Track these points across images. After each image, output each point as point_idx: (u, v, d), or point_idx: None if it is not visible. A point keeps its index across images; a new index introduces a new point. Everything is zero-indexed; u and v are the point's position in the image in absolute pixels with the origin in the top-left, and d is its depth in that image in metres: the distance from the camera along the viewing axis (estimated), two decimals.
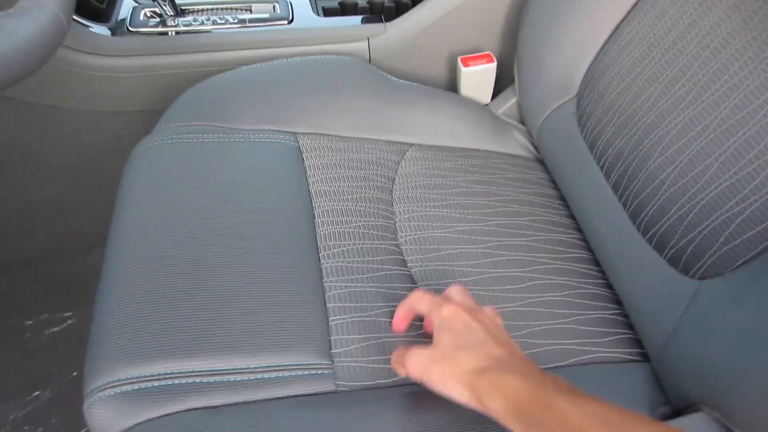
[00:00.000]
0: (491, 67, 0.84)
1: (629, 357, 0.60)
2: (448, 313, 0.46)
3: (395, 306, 0.53)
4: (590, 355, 0.59)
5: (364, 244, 0.61)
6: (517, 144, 0.83)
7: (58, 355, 0.91)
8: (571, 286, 0.64)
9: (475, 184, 0.73)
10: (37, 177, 0.93)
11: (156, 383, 0.47)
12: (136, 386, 0.47)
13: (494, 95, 0.89)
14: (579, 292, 0.64)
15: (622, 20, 0.67)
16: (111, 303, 0.52)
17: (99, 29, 0.83)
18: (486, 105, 0.89)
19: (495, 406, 0.39)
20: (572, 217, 0.73)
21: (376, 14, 0.91)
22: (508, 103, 0.87)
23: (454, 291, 0.51)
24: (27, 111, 0.84)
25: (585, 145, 0.69)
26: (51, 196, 0.96)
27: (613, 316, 0.63)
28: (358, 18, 0.89)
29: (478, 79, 0.85)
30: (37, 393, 0.87)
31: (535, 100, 0.79)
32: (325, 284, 0.57)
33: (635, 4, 0.66)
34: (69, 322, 0.95)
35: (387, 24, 0.87)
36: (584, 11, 0.70)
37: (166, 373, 0.47)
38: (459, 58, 0.84)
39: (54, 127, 0.86)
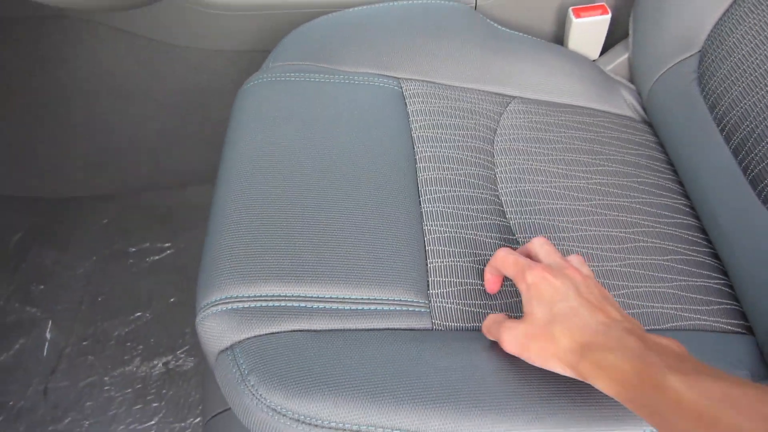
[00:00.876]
0: (605, 19, 0.80)
1: (732, 328, 0.57)
2: (533, 279, 0.44)
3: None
4: (690, 322, 0.57)
5: (464, 191, 0.61)
6: (624, 104, 0.79)
7: (158, 282, 0.97)
8: (675, 251, 0.61)
9: (579, 141, 0.70)
10: (145, 111, 0.98)
11: (264, 303, 0.49)
12: (246, 304, 0.49)
13: (603, 51, 0.85)
14: (683, 258, 0.61)
15: None
16: (223, 227, 0.54)
17: None
18: (594, 60, 0.85)
19: (601, 386, 0.37)
20: (680, 182, 0.69)
21: None
22: (618, 59, 0.82)
23: (537, 245, 0.48)
24: (141, 46, 0.88)
25: (705, 106, 0.65)
26: (156, 131, 1.01)
27: (718, 286, 0.60)
28: None
29: (589, 31, 0.81)
30: (138, 314, 0.93)
31: (651, 55, 0.74)
32: (424, 227, 0.57)
33: None
34: (168, 252, 1.01)
35: None
36: None
37: (274, 295, 0.50)
38: (570, 9, 0.81)
39: (164, 62, 0.90)
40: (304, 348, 0.47)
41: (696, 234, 0.64)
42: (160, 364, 0.86)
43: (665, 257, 0.61)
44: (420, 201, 0.59)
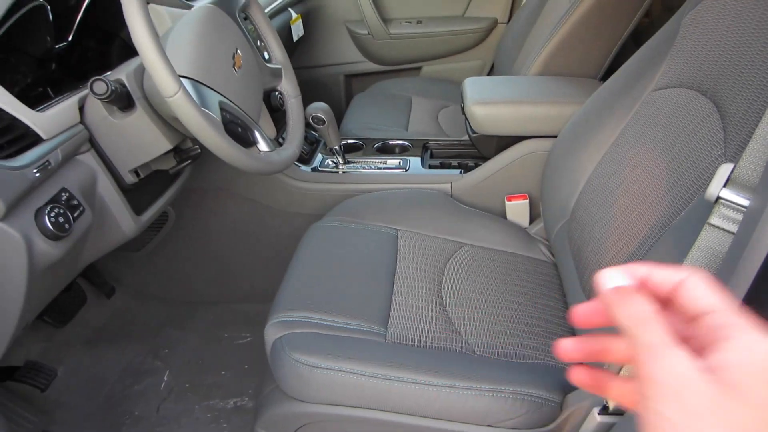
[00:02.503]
0: (525, 203, 1.34)
1: None
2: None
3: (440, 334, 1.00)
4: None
5: (421, 290, 1.11)
6: (541, 253, 1.28)
7: (239, 356, 1.46)
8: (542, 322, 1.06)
9: (504, 271, 1.19)
10: (251, 247, 1.57)
11: (297, 319, 0.99)
12: (289, 319, 0.99)
13: (531, 221, 1.37)
14: (547, 320, 1.05)
15: (594, 169, 1.14)
16: (291, 281, 1.07)
17: (304, 168, 1.50)
18: (525, 228, 1.36)
19: None
20: (563, 296, 1.15)
21: (461, 169, 1.47)
22: (538, 226, 1.34)
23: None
24: (253, 208, 1.50)
25: (570, 254, 1.13)
26: (254, 262, 1.59)
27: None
28: (447, 170, 1.46)
29: (517, 210, 1.35)
30: (223, 372, 1.41)
31: (549, 223, 1.25)
32: (392, 301, 1.06)
33: (602, 157, 1.12)
34: (248, 339, 1.52)
35: (464, 174, 1.42)
36: (573, 165, 1.18)
37: (302, 315, 1.00)
38: (506, 196, 1.35)
39: (267, 218, 1.51)
40: (316, 339, 0.96)
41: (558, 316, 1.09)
42: (231, 402, 1.32)
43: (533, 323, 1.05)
44: (392, 294, 1.09)
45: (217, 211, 1.53)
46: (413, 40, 2.34)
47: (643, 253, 0.86)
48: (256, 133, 0.97)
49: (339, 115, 1.95)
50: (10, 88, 0.83)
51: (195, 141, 1.03)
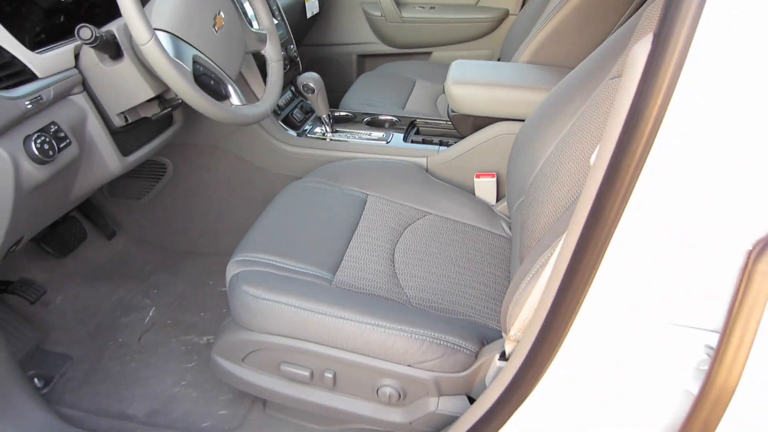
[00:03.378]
0: (492, 180, 1.41)
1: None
2: None
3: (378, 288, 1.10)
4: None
5: (373, 248, 1.20)
6: (502, 229, 1.36)
7: (219, 302, 1.58)
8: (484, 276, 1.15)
9: (459, 242, 1.27)
10: (240, 203, 1.68)
11: (253, 259, 1.10)
12: (247, 258, 1.10)
13: (498, 200, 1.45)
14: (487, 273, 1.14)
15: (550, 152, 1.21)
16: (257, 227, 1.18)
17: (291, 132, 1.61)
18: (491, 205, 1.44)
19: None
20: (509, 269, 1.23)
21: (438, 144, 1.55)
22: (503, 204, 1.41)
23: None
24: (244, 166, 1.61)
25: (519, 225, 1.21)
26: (241, 216, 1.71)
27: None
28: (426, 145, 1.55)
29: (485, 187, 1.43)
30: (202, 314, 1.53)
31: (510, 201, 1.33)
32: (342, 261, 1.15)
33: (558, 140, 1.19)
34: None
35: (440, 149, 1.51)
36: (534, 147, 1.25)
37: (258, 256, 1.10)
38: (476, 174, 1.43)
39: (256, 177, 1.63)
40: (266, 276, 1.06)
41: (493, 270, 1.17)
42: (205, 339, 1.45)
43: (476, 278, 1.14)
44: (345, 253, 1.18)
45: (211, 167, 1.65)
46: (425, 25, 2.41)
47: (556, 222, 0.94)
48: (230, 88, 1.08)
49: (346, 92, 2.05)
50: (17, 34, 0.96)
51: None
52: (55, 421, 1.15)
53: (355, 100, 1.96)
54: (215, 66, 1.06)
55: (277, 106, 1.66)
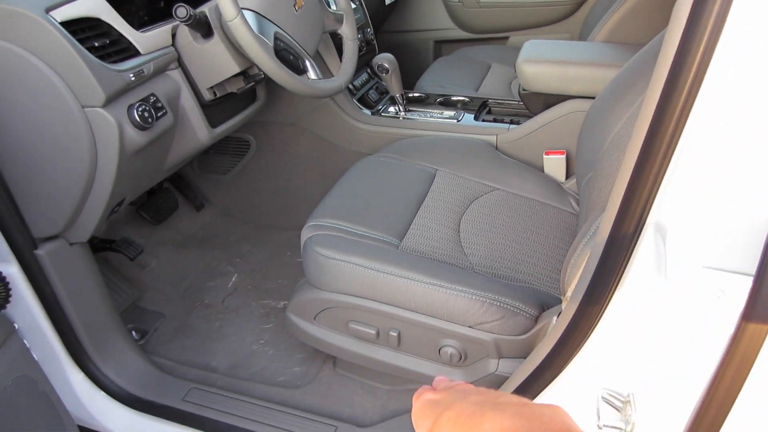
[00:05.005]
0: (562, 158, 1.42)
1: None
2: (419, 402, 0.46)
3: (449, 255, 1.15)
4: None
5: (440, 219, 1.25)
6: (570, 206, 1.36)
7: (297, 272, 1.68)
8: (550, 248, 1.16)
9: (527, 216, 1.29)
10: (318, 179, 1.77)
11: (326, 224, 1.17)
12: (320, 223, 1.18)
13: (568, 177, 1.45)
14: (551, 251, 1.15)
15: (619, 128, 1.20)
16: (330, 197, 1.25)
17: (366, 111, 1.67)
18: (560, 182, 1.44)
19: None
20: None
21: (509, 123, 1.57)
22: (572, 181, 1.41)
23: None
24: (321, 144, 1.70)
25: (586, 200, 1.21)
26: (320, 191, 1.80)
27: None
28: (495, 123, 1.57)
29: (554, 164, 1.43)
30: (280, 281, 1.64)
31: (579, 177, 1.33)
32: (410, 229, 1.20)
33: (628, 116, 1.18)
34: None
35: (510, 127, 1.52)
36: (604, 123, 1.25)
37: (332, 222, 1.17)
38: (545, 151, 1.44)
39: (332, 154, 1.71)
40: (337, 239, 1.13)
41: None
42: (282, 303, 1.55)
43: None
44: (412, 221, 1.23)
45: (290, 145, 1.75)
46: (502, 9, 2.41)
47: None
48: (307, 63, 1.16)
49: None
50: (125, 15, 1.08)
51: (259, 68, 1.23)
52: (150, 368, 1.29)
53: (429, 82, 2.00)
54: (294, 42, 1.14)
55: (353, 86, 1.74)
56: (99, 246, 1.45)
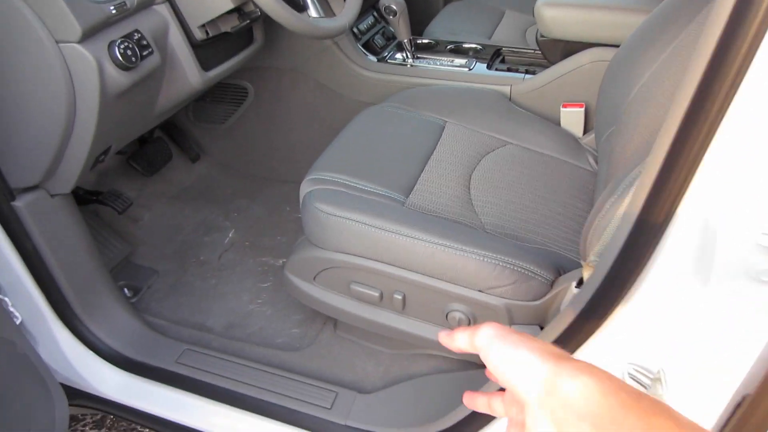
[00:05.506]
0: (580, 111, 1.32)
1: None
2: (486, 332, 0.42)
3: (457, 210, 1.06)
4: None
5: (451, 171, 1.16)
6: (587, 162, 1.27)
7: (296, 228, 1.61)
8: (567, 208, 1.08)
9: (540, 172, 1.20)
10: (320, 129, 1.68)
11: (326, 177, 1.09)
12: (320, 176, 1.09)
13: (586, 132, 1.35)
14: (569, 214, 1.07)
15: (646, 78, 1.10)
16: (332, 148, 1.16)
17: (372, 57, 1.56)
18: (578, 137, 1.34)
19: None
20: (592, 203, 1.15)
21: (524, 72, 1.46)
22: (590, 137, 1.32)
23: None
24: (323, 92, 1.59)
25: (607, 156, 1.12)
26: (319, 142, 1.70)
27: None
28: (510, 73, 1.46)
29: (572, 117, 1.33)
30: (279, 238, 1.56)
31: (598, 131, 1.23)
32: (417, 183, 1.12)
33: (656, 66, 1.08)
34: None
35: (525, 77, 1.42)
36: (629, 73, 1.14)
37: (332, 176, 1.09)
38: (562, 104, 1.34)
39: (335, 103, 1.61)
40: (339, 195, 1.05)
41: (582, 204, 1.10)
42: (280, 261, 1.48)
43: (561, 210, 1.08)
44: (420, 174, 1.14)
45: (291, 93, 1.64)
46: None
47: (645, 145, 0.85)
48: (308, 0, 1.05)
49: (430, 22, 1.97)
50: None
51: (255, 4, 1.12)
52: (142, 328, 1.22)
53: (439, 28, 1.87)
54: None
55: (358, 30, 1.62)
56: (85, 198, 1.37)
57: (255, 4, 1.03)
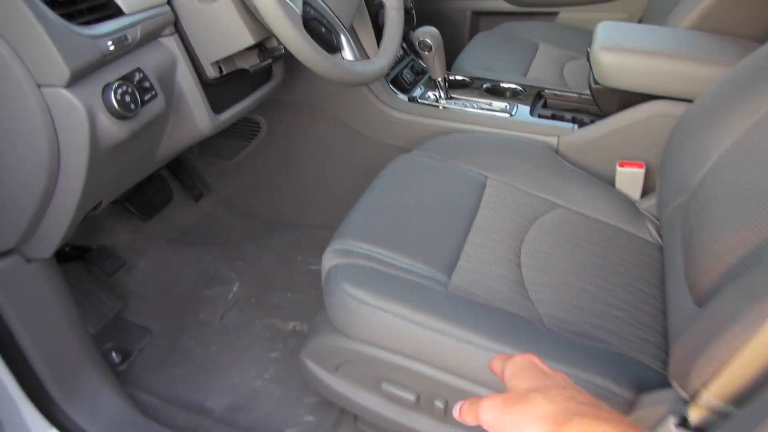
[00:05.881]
0: (640, 172, 1.15)
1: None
2: (522, 360, 0.45)
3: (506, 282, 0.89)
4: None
5: (497, 244, 0.99)
6: (647, 232, 1.11)
7: (308, 283, 1.43)
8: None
9: (594, 243, 1.03)
10: (337, 171, 1.51)
11: (356, 250, 0.92)
12: (348, 248, 0.92)
13: (644, 195, 1.19)
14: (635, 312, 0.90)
15: (732, 144, 0.94)
16: (361, 208, 1.00)
17: (401, 96, 1.40)
18: (634, 201, 1.18)
19: None
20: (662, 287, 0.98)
21: (570, 121, 1.30)
22: (649, 201, 1.15)
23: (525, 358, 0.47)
24: (344, 131, 1.43)
25: (680, 236, 0.95)
26: (338, 187, 1.54)
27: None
28: (557, 122, 1.29)
29: (629, 178, 1.17)
30: (289, 295, 1.38)
31: (664, 199, 1.07)
32: (462, 251, 0.95)
33: (745, 131, 0.92)
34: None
35: (576, 129, 1.25)
36: (707, 135, 0.98)
37: (363, 248, 0.92)
38: (618, 161, 1.17)
39: (357, 144, 1.44)
40: (371, 275, 0.88)
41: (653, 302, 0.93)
42: (291, 325, 1.31)
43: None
44: (464, 244, 0.97)
45: (308, 129, 1.48)
46: None
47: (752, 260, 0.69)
48: (342, 39, 0.89)
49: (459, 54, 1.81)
50: None
51: (280, 41, 0.96)
52: (129, 411, 1.04)
53: (470, 62, 1.72)
54: (328, 10, 0.87)
55: None
56: (68, 255, 1.19)
57: (281, 43, 0.86)
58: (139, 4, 0.83)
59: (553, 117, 1.34)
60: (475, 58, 1.75)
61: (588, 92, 1.39)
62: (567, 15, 2.18)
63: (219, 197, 1.66)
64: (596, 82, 1.23)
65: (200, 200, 1.62)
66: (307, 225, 1.61)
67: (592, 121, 1.29)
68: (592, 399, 0.41)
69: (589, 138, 1.24)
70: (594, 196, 1.14)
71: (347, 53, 0.89)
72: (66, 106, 0.73)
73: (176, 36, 0.91)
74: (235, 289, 1.41)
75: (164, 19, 0.88)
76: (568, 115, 1.34)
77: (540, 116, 1.34)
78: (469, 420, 0.43)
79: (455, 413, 0.45)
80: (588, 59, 1.24)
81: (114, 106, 0.77)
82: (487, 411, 0.41)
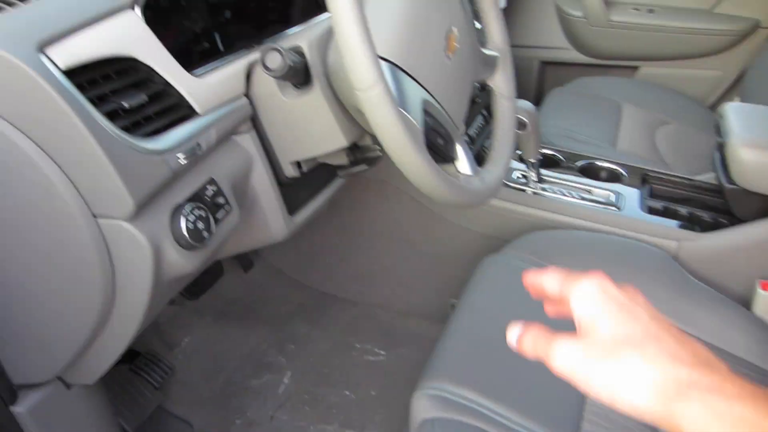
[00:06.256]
0: None
1: None
2: (591, 288, 0.36)
3: None
4: None
5: None
6: None
7: (368, 376, 1.26)
8: None
9: None
10: (403, 252, 1.35)
11: (463, 402, 0.75)
12: (452, 397, 0.75)
13: None
14: None
15: None
16: (457, 336, 0.83)
17: None
18: None
19: None
20: None
21: (693, 223, 1.11)
22: None
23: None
24: (417, 210, 1.26)
25: None
26: (404, 268, 1.37)
27: None
28: (674, 222, 1.11)
29: None
30: (347, 392, 1.22)
31: None
32: (585, 413, 0.77)
33: None
34: (381, 357, 1.32)
35: (701, 234, 1.07)
36: None
37: (471, 399, 0.75)
38: (758, 280, 0.99)
39: (431, 225, 1.28)
40: None
41: None
42: None
43: None
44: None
45: (376, 205, 1.32)
46: (637, 32, 1.92)
47: None
48: (459, 148, 0.72)
49: None
50: (173, 38, 0.66)
51: (377, 141, 0.80)
52: None
53: (552, 129, 1.54)
54: (446, 116, 0.70)
55: (467, 136, 1.29)
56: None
57: (383, 151, 0.69)
58: (213, 100, 0.68)
59: (665, 211, 1.16)
60: (556, 123, 1.57)
61: (703, 178, 1.21)
62: (648, 70, 2.00)
63: (270, 266, 1.51)
64: (731, 182, 1.05)
65: (249, 269, 1.47)
66: (366, 302, 1.45)
67: (717, 221, 1.10)
68: (701, 354, 0.32)
69: (720, 247, 1.05)
70: (726, 323, 0.95)
71: (464, 165, 0.72)
72: (127, 240, 0.58)
73: (253, 132, 0.76)
74: (286, 380, 1.25)
75: (242, 115, 0.72)
76: (683, 210, 1.16)
77: (650, 209, 1.16)
78: (533, 354, 0.37)
79: (511, 337, 0.40)
80: (719, 150, 1.06)
81: (184, 236, 0.61)
82: (565, 358, 0.35)
